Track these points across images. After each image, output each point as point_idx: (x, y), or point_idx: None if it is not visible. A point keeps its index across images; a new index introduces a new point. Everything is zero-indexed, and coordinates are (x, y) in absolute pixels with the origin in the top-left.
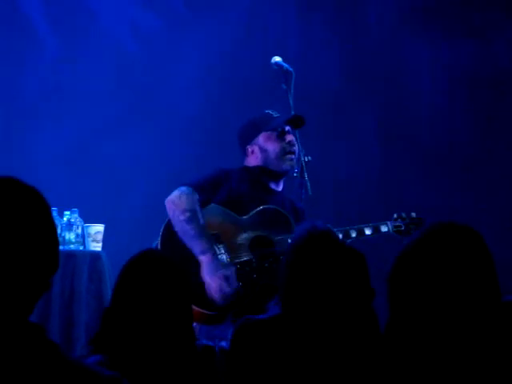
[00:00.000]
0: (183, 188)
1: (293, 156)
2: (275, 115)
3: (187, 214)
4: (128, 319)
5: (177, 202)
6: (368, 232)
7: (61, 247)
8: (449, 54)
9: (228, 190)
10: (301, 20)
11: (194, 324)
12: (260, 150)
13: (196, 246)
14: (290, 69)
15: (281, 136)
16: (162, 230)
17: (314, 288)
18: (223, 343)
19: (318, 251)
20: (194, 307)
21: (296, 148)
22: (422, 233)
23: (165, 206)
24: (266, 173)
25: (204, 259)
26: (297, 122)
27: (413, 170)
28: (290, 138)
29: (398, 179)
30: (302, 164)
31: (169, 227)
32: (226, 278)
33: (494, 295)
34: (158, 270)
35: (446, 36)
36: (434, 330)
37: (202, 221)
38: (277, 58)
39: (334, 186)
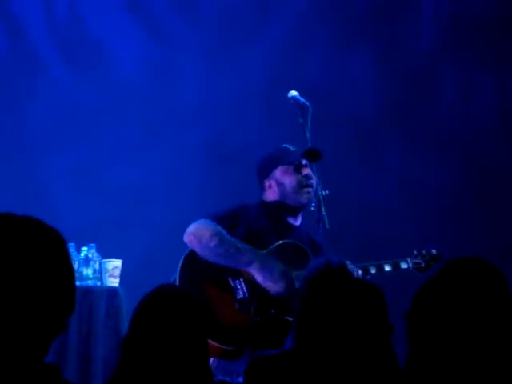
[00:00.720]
0: (202, 220)
1: (310, 189)
2: (292, 149)
3: (216, 238)
4: (144, 355)
5: (199, 232)
6: (387, 268)
7: (78, 283)
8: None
9: (246, 225)
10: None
11: (212, 359)
12: (277, 184)
13: (240, 261)
14: (307, 103)
15: (297, 169)
16: (180, 263)
17: (327, 322)
18: (240, 379)
19: (331, 284)
20: (211, 342)
21: (313, 181)
22: (441, 268)
23: (184, 239)
24: (283, 207)
25: (254, 269)
26: (313, 155)
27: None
28: (306, 171)
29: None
30: (319, 198)
31: (188, 260)
32: (283, 276)
33: None
34: (174, 305)
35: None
36: (454, 368)
37: (232, 238)
38: (293, 93)
39: (354, 220)
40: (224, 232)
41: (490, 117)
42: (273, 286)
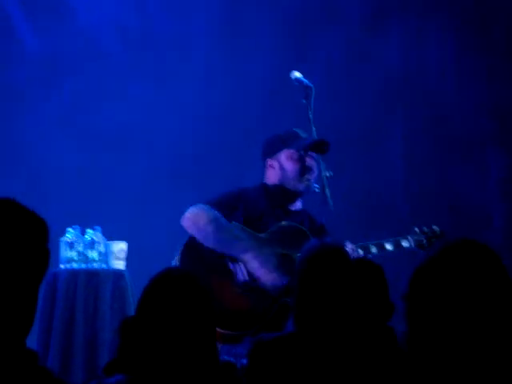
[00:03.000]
0: (200, 205)
1: (310, 177)
2: (302, 135)
3: (213, 224)
4: (151, 337)
5: (196, 217)
6: (389, 247)
7: (84, 265)
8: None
9: (245, 208)
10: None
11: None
12: (279, 167)
13: (235, 248)
14: (310, 84)
15: (302, 158)
16: (181, 248)
17: (326, 302)
18: (244, 360)
19: (329, 264)
20: None
21: (314, 173)
22: (440, 249)
23: (181, 223)
24: (283, 191)
25: (248, 257)
26: (321, 148)
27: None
28: (310, 162)
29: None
30: (323, 179)
31: (188, 245)
32: (277, 268)
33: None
34: (182, 287)
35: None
36: (452, 347)
37: (229, 225)
38: (296, 74)
39: (356, 200)
40: (221, 218)
41: None
42: (265, 276)
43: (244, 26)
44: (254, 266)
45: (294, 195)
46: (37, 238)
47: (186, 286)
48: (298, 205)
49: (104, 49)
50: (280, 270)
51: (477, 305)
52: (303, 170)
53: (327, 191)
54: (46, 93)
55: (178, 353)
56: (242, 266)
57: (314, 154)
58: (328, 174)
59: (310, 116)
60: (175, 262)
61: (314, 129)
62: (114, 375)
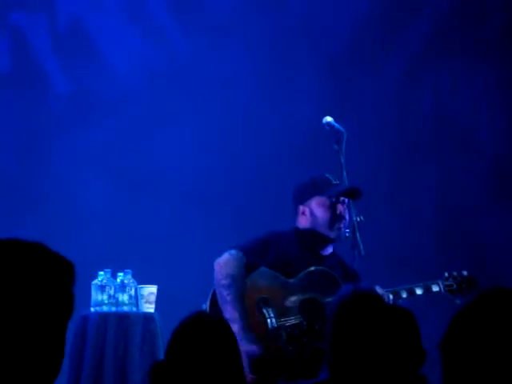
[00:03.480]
0: (232, 251)
1: (341, 226)
2: (334, 182)
3: (228, 280)
4: (180, 381)
5: (223, 265)
6: (419, 292)
7: (114, 309)
8: None
9: (277, 253)
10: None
11: None
12: (310, 214)
13: (227, 312)
14: (342, 129)
15: (334, 205)
16: (211, 292)
17: (360, 349)
18: None
19: (363, 310)
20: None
21: (346, 220)
22: (477, 297)
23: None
24: (315, 236)
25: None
26: (354, 195)
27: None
28: (342, 209)
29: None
30: (354, 224)
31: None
32: (246, 354)
33: None
34: (210, 332)
35: None
36: None
37: (241, 289)
38: (328, 119)
39: (387, 248)
40: (241, 277)
41: None
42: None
43: (287, 70)
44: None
45: (325, 241)
46: (62, 282)
47: (214, 331)
48: (329, 250)
49: (136, 89)
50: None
51: None
52: (334, 217)
53: (358, 236)
54: (76, 132)
55: None
56: (270, 310)
57: (345, 200)
58: (359, 219)
59: (342, 161)
60: (206, 306)
61: (345, 174)
62: None
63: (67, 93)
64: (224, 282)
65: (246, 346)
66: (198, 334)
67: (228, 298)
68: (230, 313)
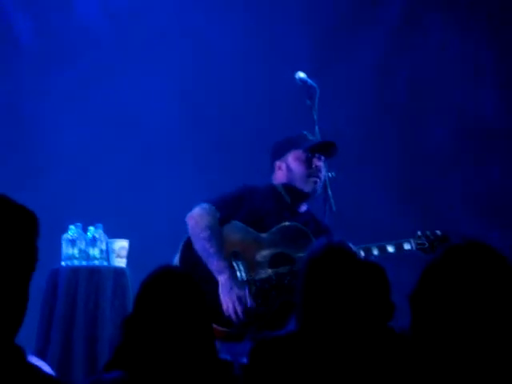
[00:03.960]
0: (205, 205)
1: (317, 180)
2: (310, 137)
3: (208, 232)
4: (148, 335)
5: (198, 219)
6: (391, 249)
7: (85, 263)
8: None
9: (250, 207)
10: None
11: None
12: (287, 168)
13: (213, 264)
14: (314, 84)
15: (309, 159)
16: (181, 246)
17: (330, 302)
18: (244, 359)
19: (333, 264)
20: (213, 325)
21: (322, 174)
22: (446, 250)
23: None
24: (290, 192)
25: (221, 278)
26: (329, 151)
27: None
28: (318, 163)
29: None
30: (325, 180)
31: (188, 244)
32: (239, 298)
33: None
34: (178, 285)
35: None
36: (455, 348)
37: (221, 240)
38: (301, 74)
39: (358, 203)
40: (218, 228)
41: None
42: (223, 301)
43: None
44: (220, 289)
45: (301, 195)
46: (25, 234)
47: (182, 284)
48: (304, 208)
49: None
50: (243, 301)
51: (482, 306)
52: (310, 171)
53: (329, 192)
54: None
55: (174, 349)
56: (240, 265)
57: (321, 157)
58: (330, 175)
59: (315, 117)
60: (176, 260)
61: (317, 130)
62: (112, 372)
63: (34, 39)
64: (204, 234)
65: (238, 292)
66: (166, 286)
67: (212, 251)
68: (217, 264)
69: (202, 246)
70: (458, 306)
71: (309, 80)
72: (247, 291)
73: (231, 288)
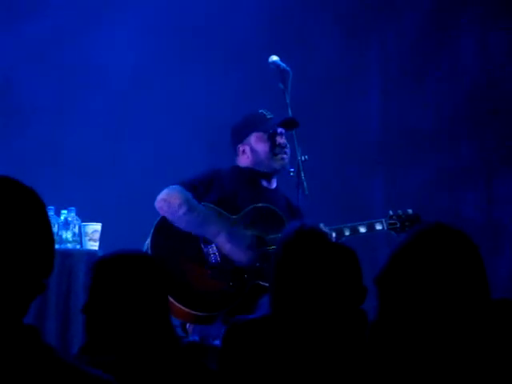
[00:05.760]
0: (174, 186)
1: (284, 156)
2: (268, 116)
3: (186, 206)
4: (104, 316)
5: (169, 198)
6: (362, 230)
7: (57, 246)
8: None
9: (219, 190)
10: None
11: (187, 324)
12: (251, 150)
13: (207, 231)
14: (287, 68)
15: (272, 137)
16: (152, 229)
17: (302, 286)
18: (217, 342)
19: (306, 247)
20: (184, 308)
21: (288, 149)
22: (414, 234)
23: (154, 205)
24: (256, 173)
25: (221, 240)
26: (290, 124)
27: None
28: (281, 139)
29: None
30: (298, 163)
31: (159, 228)
32: (250, 247)
33: (483, 296)
34: (131, 266)
35: None
36: (423, 331)
37: (201, 207)
38: (274, 58)
39: (330, 185)
40: (194, 200)
41: None
42: (238, 257)
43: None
44: (226, 247)
45: (268, 175)
46: (40, 215)
47: (136, 265)
48: (273, 184)
49: None
50: (253, 250)
51: (447, 289)
52: (275, 148)
53: (302, 175)
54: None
55: (129, 330)
56: (214, 247)
57: (283, 132)
58: (303, 158)
59: (287, 100)
60: (147, 244)
61: (290, 113)
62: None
63: None
64: (183, 209)
65: (246, 243)
66: (119, 268)
67: (198, 220)
68: (213, 228)
69: (186, 220)
70: (423, 289)
71: (282, 63)
72: (251, 238)
73: (239, 243)
